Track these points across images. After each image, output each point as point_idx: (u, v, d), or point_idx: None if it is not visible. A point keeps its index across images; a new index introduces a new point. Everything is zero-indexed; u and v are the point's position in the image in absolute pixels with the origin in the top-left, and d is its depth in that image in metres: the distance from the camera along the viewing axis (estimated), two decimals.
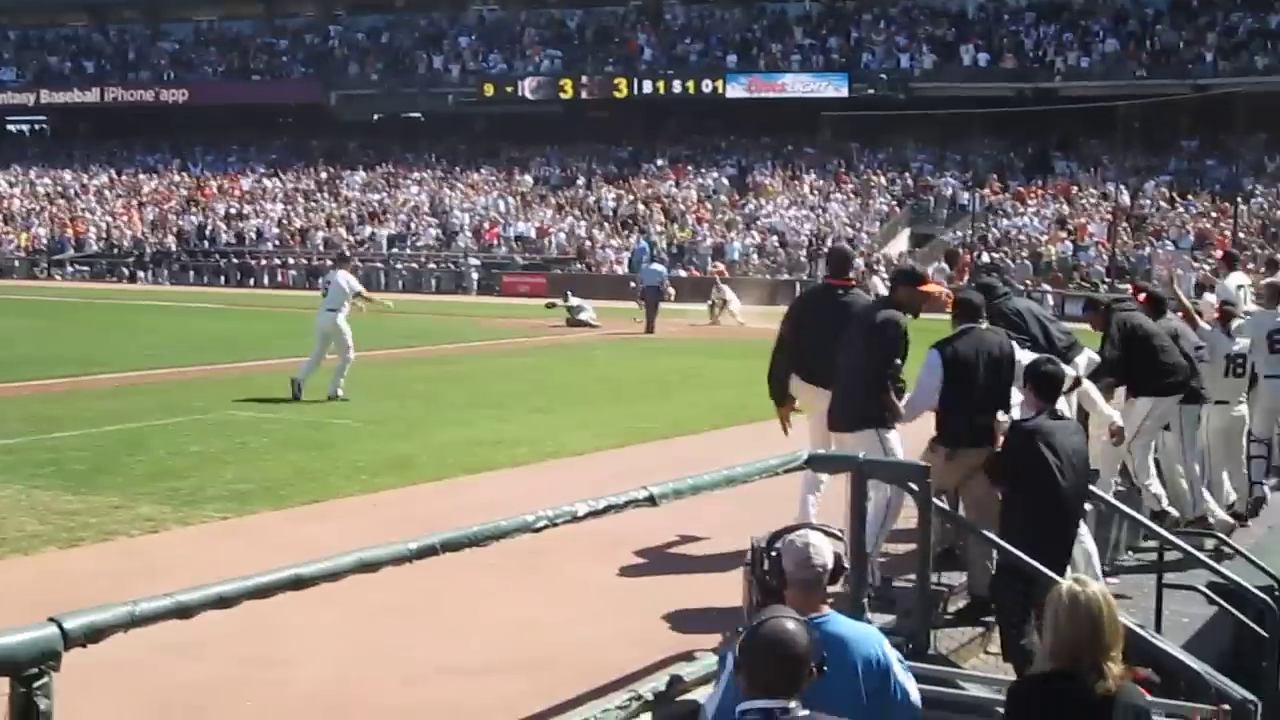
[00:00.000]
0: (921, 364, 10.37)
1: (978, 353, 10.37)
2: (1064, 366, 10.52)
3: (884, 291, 12.44)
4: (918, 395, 10.38)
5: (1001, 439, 9.91)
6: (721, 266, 46.19)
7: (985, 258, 53.29)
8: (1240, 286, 18.16)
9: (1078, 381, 11.53)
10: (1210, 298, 17.39)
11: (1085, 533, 10.26)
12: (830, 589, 5.95)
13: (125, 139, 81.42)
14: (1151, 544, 11.42)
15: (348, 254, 31.79)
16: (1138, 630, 8.26)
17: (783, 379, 11.68)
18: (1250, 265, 47.25)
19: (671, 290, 43.06)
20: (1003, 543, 8.56)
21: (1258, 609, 9.30)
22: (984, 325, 10.67)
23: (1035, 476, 8.63)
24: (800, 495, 11.15)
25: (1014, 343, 10.68)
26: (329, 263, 34.36)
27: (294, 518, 13.14)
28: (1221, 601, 9.53)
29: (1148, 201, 57.45)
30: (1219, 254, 35.41)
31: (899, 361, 10.32)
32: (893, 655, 5.52)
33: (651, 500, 6.37)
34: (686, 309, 43.31)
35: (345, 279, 23.59)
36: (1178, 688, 7.55)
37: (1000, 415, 10.47)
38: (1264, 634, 9.18)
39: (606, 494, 6.37)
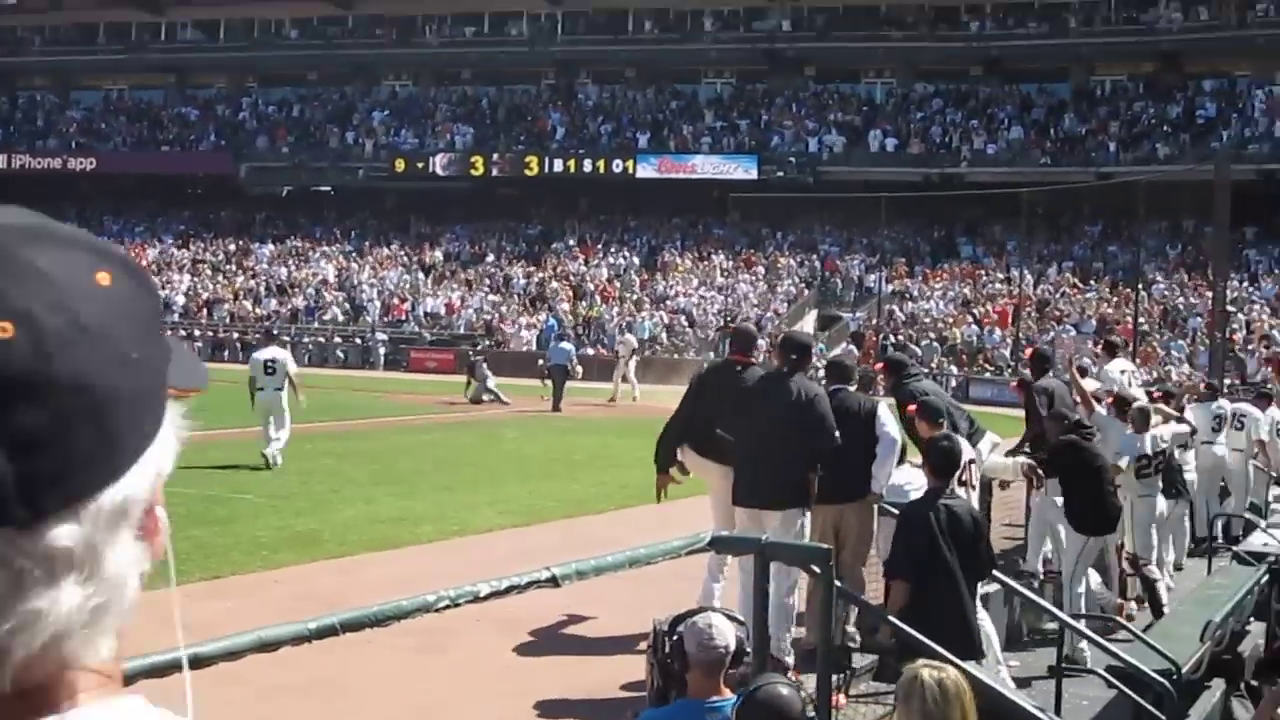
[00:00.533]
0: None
1: (837, 411, 10.83)
2: (967, 450, 10.69)
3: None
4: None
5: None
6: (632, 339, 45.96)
7: (891, 339, 53.84)
8: (1124, 371, 18.52)
9: (988, 486, 11.81)
10: (1092, 383, 17.64)
11: (985, 616, 10.33)
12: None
13: (31, 206, 79.30)
14: (1051, 626, 11.51)
15: (275, 331, 31.77)
16: (1037, 714, 8.30)
17: (672, 446, 11.79)
18: (1150, 350, 48.21)
19: (579, 369, 42.99)
20: (903, 625, 8.56)
21: (1156, 693, 9.36)
22: (852, 388, 11.13)
23: (929, 563, 8.65)
24: (704, 578, 11.15)
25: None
26: (241, 338, 34.30)
27: (193, 594, 12.95)
28: (1120, 685, 9.59)
29: (1051, 286, 58.23)
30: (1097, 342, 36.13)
31: (837, 436, 10.59)
32: None
33: (554, 581, 6.34)
34: (595, 387, 43.34)
35: (288, 357, 24.80)
36: None
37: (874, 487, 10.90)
38: (1162, 718, 9.25)
39: (509, 573, 6.35)
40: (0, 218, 1.23)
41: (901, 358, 14.94)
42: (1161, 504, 14.55)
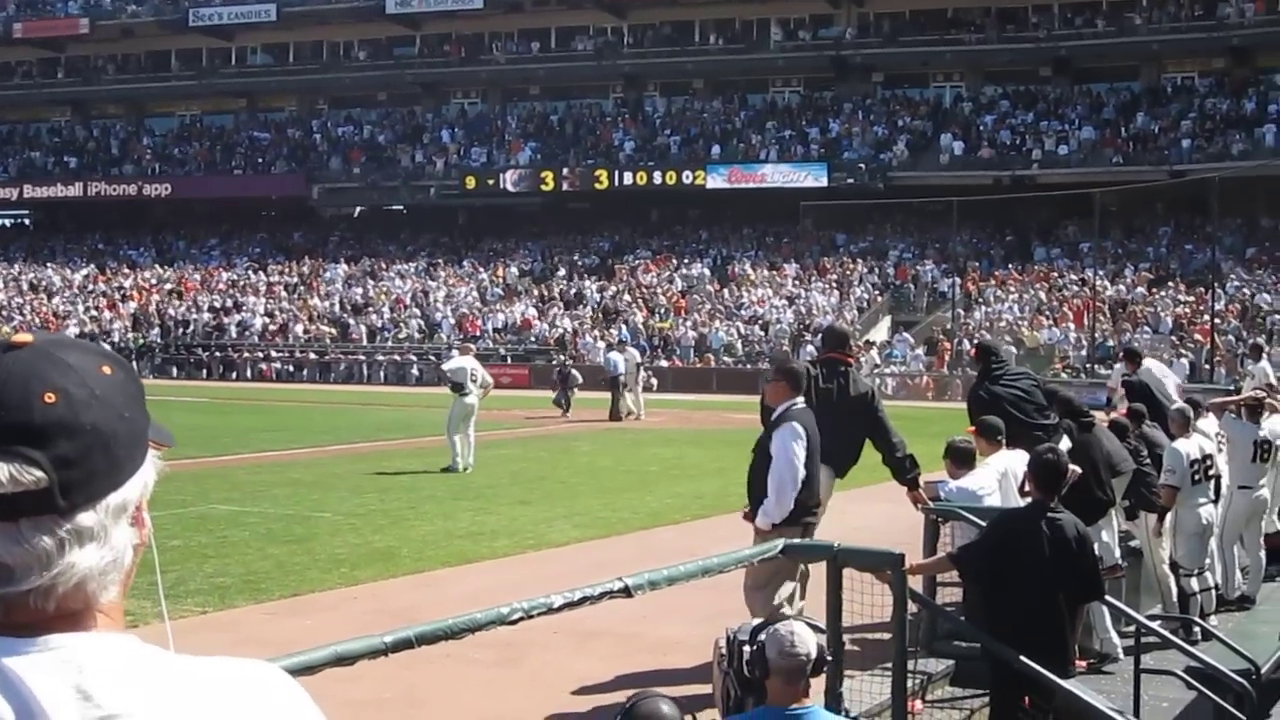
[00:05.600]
0: (781, 441, 10.31)
1: (812, 431, 10.47)
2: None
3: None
4: (791, 475, 10.29)
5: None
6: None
7: (967, 345, 53.56)
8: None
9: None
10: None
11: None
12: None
13: (108, 232, 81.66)
14: (1129, 629, 11.44)
15: (467, 340, 32.69)
16: (1117, 717, 8.28)
17: None
18: (1229, 354, 47.79)
19: (654, 380, 43.04)
20: (983, 635, 8.54)
21: (1236, 693, 9.31)
22: (799, 404, 10.58)
23: (1025, 577, 8.45)
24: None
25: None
26: (453, 351, 36.20)
27: (273, 611, 13.13)
28: (1200, 686, 9.54)
29: (1125, 287, 57.73)
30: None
31: None
32: None
33: (627, 591, 6.40)
34: (669, 399, 43.43)
35: (478, 365, 27.61)
36: None
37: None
38: (1243, 719, 9.19)
39: (584, 585, 6.40)
40: (43, 336, 1.82)
41: (993, 344, 14.91)
42: (1208, 512, 14.21)
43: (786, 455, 10.25)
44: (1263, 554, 15.06)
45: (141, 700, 1.71)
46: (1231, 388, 30.90)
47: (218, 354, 65.83)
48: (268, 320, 67.60)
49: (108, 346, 1.94)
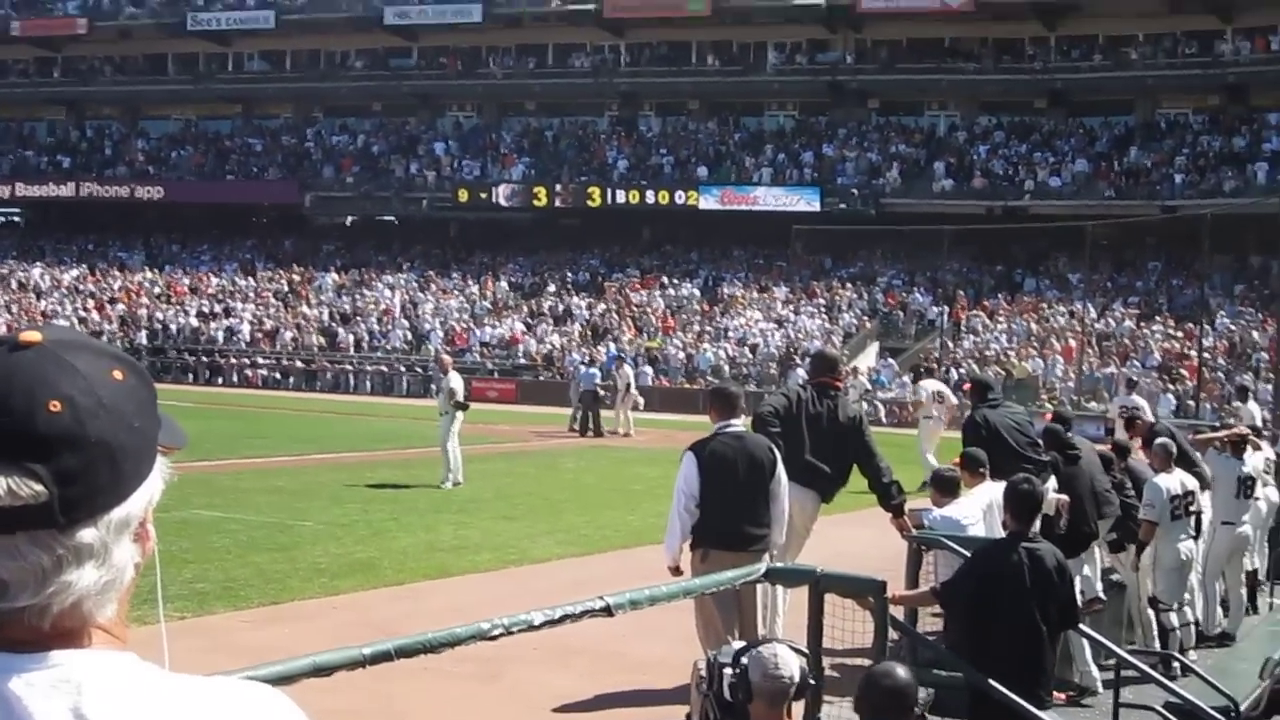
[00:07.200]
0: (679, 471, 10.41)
1: (737, 454, 10.36)
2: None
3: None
4: (678, 504, 10.35)
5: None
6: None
7: (954, 374, 53.58)
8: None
9: None
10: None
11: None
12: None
13: (99, 234, 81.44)
14: (1109, 663, 11.42)
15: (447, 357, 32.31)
16: None
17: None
18: (1217, 390, 47.84)
19: (640, 399, 43.15)
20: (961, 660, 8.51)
21: None
22: (739, 424, 10.63)
23: (1004, 607, 8.49)
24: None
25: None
26: (435, 366, 36.50)
27: (252, 619, 13.09)
28: None
29: (1114, 321, 57.80)
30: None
31: None
32: None
33: (608, 610, 6.37)
34: (658, 418, 43.44)
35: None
36: None
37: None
38: None
39: (565, 602, 6.37)
40: (53, 334, 1.74)
41: (988, 379, 14.96)
42: (1188, 548, 14.19)
43: (675, 494, 10.34)
44: (1244, 590, 15.10)
45: None
46: (1217, 424, 30.92)
47: (204, 359, 65.70)
48: (255, 327, 67.49)
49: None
